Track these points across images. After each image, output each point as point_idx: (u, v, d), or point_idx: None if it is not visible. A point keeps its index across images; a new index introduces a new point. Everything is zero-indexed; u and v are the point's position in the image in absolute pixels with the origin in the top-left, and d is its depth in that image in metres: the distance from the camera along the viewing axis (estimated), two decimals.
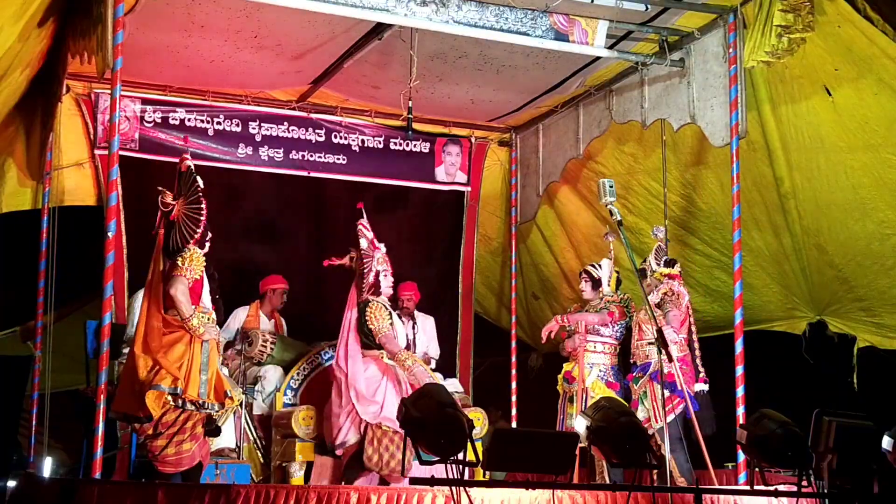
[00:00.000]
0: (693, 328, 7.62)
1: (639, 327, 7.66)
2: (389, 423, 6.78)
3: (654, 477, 6.56)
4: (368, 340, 7.09)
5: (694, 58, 7.92)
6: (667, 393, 7.31)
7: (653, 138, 8.67)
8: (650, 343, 7.41)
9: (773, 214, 8.27)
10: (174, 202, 6.34)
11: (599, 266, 8.01)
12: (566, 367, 7.95)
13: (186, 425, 6.08)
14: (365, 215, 7.41)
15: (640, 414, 7.32)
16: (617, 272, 8.04)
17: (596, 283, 7.96)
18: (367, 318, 7.09)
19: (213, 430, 6.29)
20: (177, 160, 8.75)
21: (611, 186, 6.43)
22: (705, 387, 7.46)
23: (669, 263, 7.70)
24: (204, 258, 6.23)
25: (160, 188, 6.44)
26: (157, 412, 5.99)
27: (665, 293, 7.50)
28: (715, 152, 8.03)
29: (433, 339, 9.10)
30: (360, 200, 7.53)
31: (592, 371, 7.71)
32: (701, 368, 7.50)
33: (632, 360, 7.73)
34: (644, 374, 7.49)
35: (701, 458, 7.28)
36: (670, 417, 7.29)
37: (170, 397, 6.01)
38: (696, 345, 7.55)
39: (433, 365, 8.94)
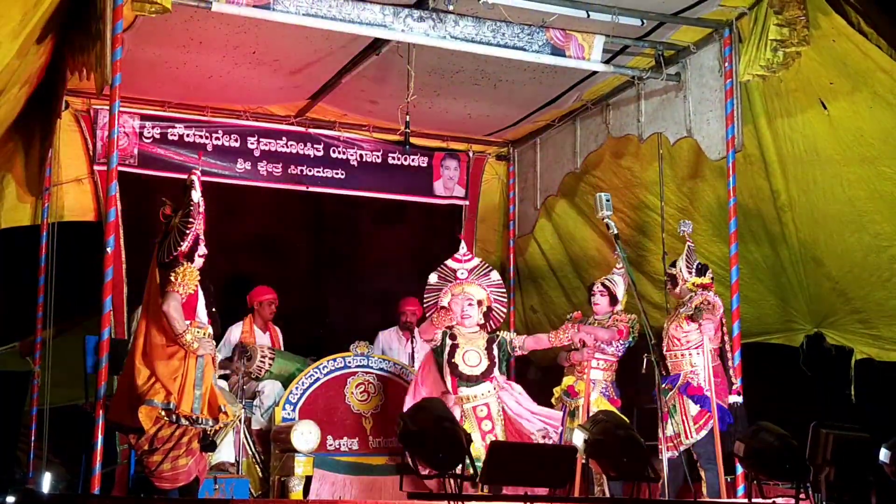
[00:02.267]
0: (726, 338, 7.42)
1: (669, 337, 7.49)
2: None
3: (661, 488, 6.55)
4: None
5: (690, 72, 7.94)
6: (698, 407, 7.24)
7: (649, 152, 8.69)
8: (681, 353, 7.38)
9: (770, 227, 8.28)
10: (174, 214, 6.33)
11: (614, 281, 7.83)
12: (567, 380, 7.81)
13: (182, 440, 6.06)
14: (462, 246, 7.51)
15: (669, 429, 7.15)
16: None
17: (613, 299, 7.80)
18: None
19: (208, 444, 6.26)
20: (176, 175, 8.91)
21: (607, 200, 6.44)
22: (739, 398, 7.26)
23: (701, 271, 7.48)
24: (198, 273, 6.22)
25: (164, 199, 6.43)
26: (150, 426, 5.98)
27: (700, 303, 7.31)
28: (711, 166, 8.04)
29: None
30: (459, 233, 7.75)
31: (595, 387, 7.63)
32: (735, 379, 7.31)
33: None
34: (673, 386, 7.34)
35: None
36: (703, 433, 7.18)
37: (163, 413, 6.00)
38: (730, 355, 7.35)
39: None
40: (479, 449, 6.42)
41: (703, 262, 8.62)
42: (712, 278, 7.54)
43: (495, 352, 7.12)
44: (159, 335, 6.10)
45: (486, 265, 7.45)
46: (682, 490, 7.30)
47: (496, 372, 7.10)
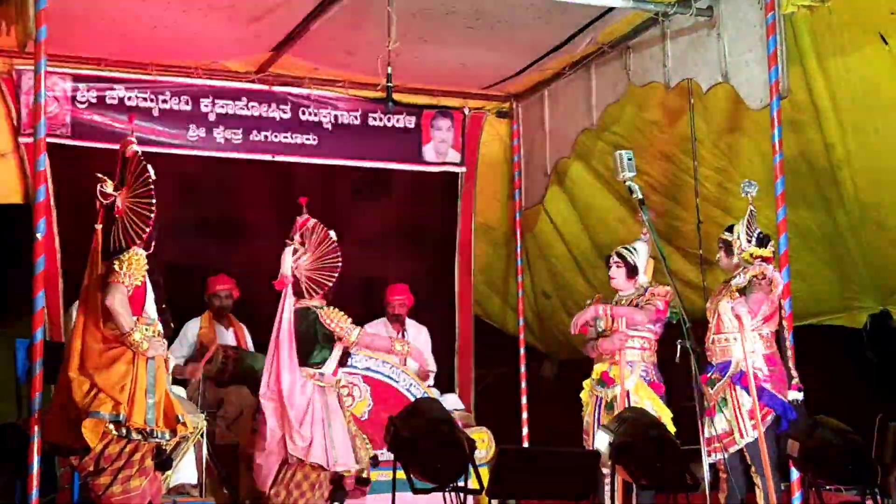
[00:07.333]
0: (784, 323, 7.36)
1: (717, 316, 7.43)
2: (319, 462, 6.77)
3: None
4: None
5: (724, 5, 7.93)
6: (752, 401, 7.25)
7: (678, 102, 8.68)
8: (734, 337, 7.36)
9: (825, 187, 8.30)
10: (115, 193, 6.31)
11: (634, 250, 7.78)
12: (599, 367, 7.67)
13: (133, 458, 6.06)
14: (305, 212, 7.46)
15: (719, 426, 7.17)
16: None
17: (631, 270, 7.72)
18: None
19: (163, 462, 6.28)
20: (117, 146, 8.88)
21: (629, 159, 6.47)
22: (799, 395, 7.15)
23: (763, 241, 7.39)
24: (146, 261, 6.21)
25: (99, 175, 6.41)
26: (96, 443, 5.98)
27: (755, 276, 7.25)
28: (752, 116, 8.04)
29: (427, 353, 9.09)
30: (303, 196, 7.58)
31: (634, 370, 7.60)
32: (794, 372, 7.24)
33: (710, 358, 7.56)
34: (722, 375, 7.29)
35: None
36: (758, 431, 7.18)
37: (111, 426, 6.00)
38: (789, 343, 7.29)
39: (431, 381, 8.95)
40: None
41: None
42: (774, 252, 7.45)
43: None
44: (95, 338, 6.07)
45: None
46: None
47: None
